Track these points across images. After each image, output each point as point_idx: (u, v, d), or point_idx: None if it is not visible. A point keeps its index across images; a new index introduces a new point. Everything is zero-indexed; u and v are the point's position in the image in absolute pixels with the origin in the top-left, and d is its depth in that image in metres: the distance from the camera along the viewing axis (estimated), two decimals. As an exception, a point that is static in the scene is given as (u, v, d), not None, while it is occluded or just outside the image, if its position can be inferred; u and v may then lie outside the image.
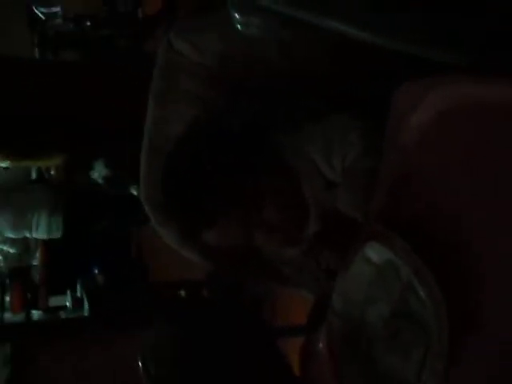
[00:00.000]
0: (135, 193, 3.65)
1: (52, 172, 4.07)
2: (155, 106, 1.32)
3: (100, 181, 3.71)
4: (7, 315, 4.73)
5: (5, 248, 3.90)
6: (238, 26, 1.00)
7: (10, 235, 3.62)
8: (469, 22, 0.84)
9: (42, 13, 3.94)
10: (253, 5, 0.89)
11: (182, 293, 3.62)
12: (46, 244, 4.65)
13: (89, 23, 4.06)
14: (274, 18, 0.89)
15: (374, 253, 0.94)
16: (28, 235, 3.56)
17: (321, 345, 1.11)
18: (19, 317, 4.64)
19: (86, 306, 3.24)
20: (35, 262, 4.90)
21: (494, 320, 0.75)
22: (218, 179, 1.18)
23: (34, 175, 4.16)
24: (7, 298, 4.76)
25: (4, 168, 3.60)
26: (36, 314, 4.61)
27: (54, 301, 4.49)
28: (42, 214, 3.42)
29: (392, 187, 0.99)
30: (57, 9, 4.00)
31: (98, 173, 3.66)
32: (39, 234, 3.51)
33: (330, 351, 1.04)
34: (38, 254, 4.82)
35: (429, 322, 0.80)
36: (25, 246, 4.40)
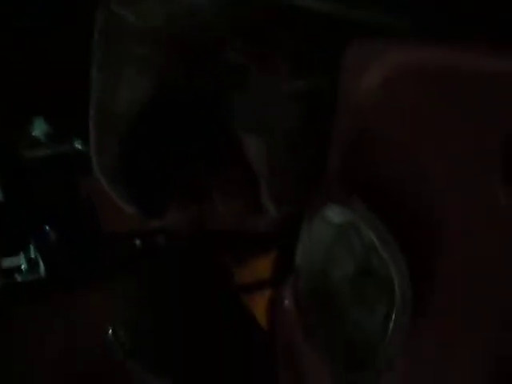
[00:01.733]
0: (80, 147, 3.56)
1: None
2: (101, 71, 1.24)
3: (42, 138, 3.59)
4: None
5: None
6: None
7: None
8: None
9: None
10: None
11: (138, 242, 3.59)
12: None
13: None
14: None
15: (335, 214, 0.96)
16: None
17: (287, 301, 1.14)
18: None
19: (42, 266, 3.21)
20: (-17, 224, 4.79)
21: (460, 282, 0.78)
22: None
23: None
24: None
25: None
26: (-10, 276, 4.53)
27: (8, 262, 4.42)
28: None
29: (346, 150, 1.00)
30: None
31: (39, 130, 3.53)
32: None
33: (296, 305, 1.06)
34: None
35: (392, 281, 0.83)
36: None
